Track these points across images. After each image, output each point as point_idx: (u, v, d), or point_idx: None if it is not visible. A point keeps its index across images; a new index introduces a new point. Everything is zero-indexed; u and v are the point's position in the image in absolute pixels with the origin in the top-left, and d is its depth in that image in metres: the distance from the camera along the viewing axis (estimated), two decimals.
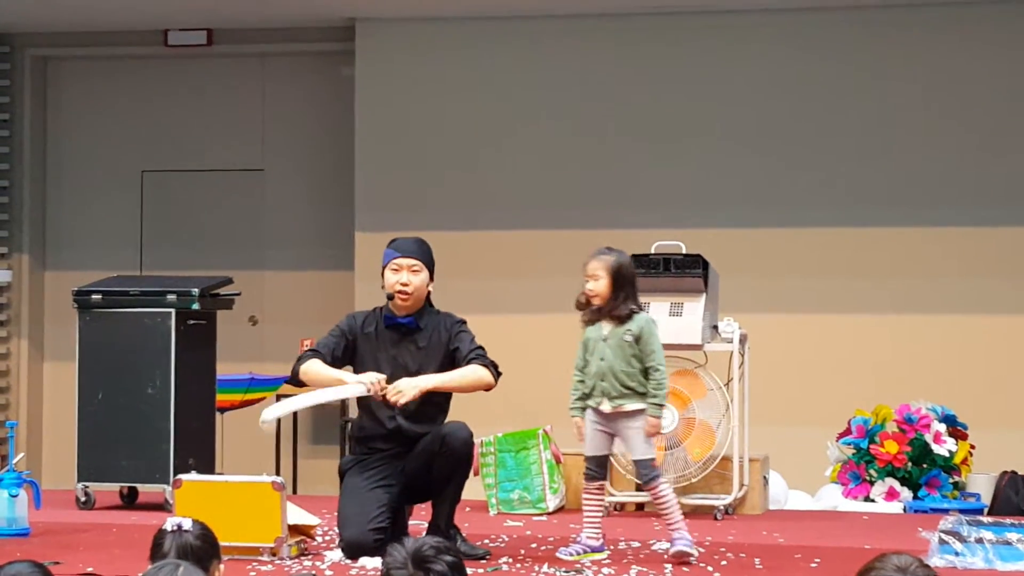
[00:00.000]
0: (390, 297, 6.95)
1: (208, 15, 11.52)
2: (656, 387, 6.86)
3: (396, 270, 6.92)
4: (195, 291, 8.82)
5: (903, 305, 10.66)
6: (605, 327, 6.93)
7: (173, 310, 8.75)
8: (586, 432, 7.00)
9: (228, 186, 12.09)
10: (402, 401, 6.68)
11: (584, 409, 6.99)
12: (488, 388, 6.88)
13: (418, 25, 11.28)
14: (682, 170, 10.98)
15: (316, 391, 6.94)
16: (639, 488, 8.44)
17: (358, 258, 11.20)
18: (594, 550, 7.00)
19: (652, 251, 8.86)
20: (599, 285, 6.91)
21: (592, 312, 6.97)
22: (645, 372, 6.87)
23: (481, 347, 6.91)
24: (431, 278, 6.98)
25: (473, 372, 6.82)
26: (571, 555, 6.93)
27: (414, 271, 6.91)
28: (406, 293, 6.90)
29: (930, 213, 10.68)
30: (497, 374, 6.87)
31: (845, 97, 10.83)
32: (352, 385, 6.77)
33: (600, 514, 7.11)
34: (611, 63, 11.09)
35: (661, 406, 6.90)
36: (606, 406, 6.91)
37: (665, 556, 6.98)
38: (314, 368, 6.87)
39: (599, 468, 7.04)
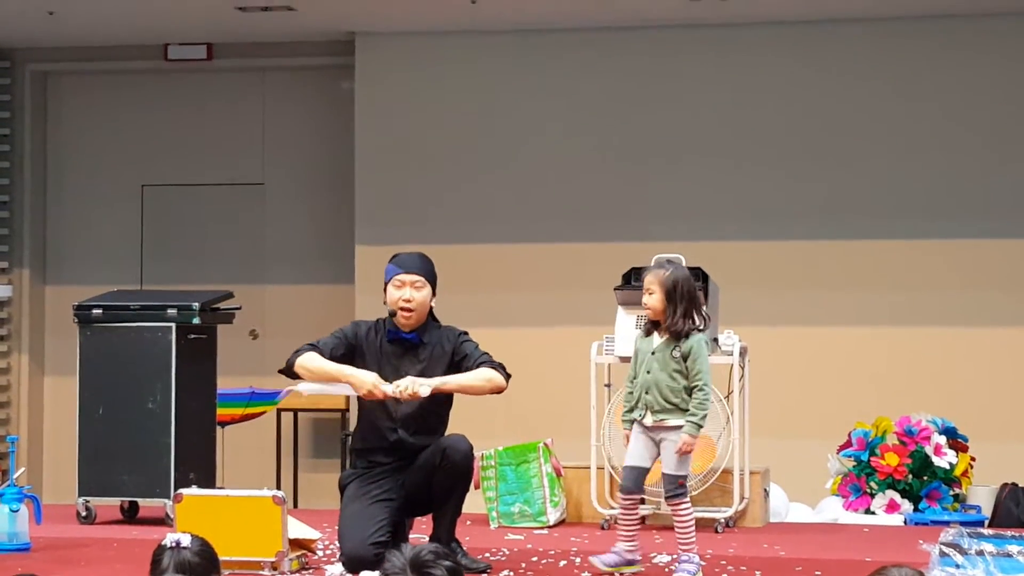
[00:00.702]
0: (392, 314, 6.95)
1: (208, 30, 11.54)
2: (697, 406, 6.73)
3: (399, 286, 6.90)
4: (195, 305, 8.82)
5: (903, 317, 10.67)
6: (656, 340, 6.85)
7: (174, 324, 8.75)
8: (631, 441, 6.91)
9: (228, 200, 12.10)
10: (423, 393, 6.61)
11: (631, 421, 6.91)
12: (500, 390, 6.83)
13: (417, 39, 11.29)
14: (683, 183, 10.99)
15: (322, 384, 6.85)
16: (643, 502, 8.44)
17: (358, 271, 11.21)
18: (630, 563, 6.93)
19: (652, 263, 8.85)
20: (653, 299, 6.80)
21: (650, 323, 6.88)
22: (690, 389, 6.81)
23: (487, 353, 6.89)
24: (434, 293, 6.98)
25: (484, 374, 6.80)
26: (606, 565, 6.87)
27: (417, 287, 6.90)
28: (409, 310, 6.89)
29: (931, 225, 10.70)
30: (507, 376, 6.84)
31: (845, 111, 10.84)
32: (346, 385, 6.73)
33: (636, 526, 6.99)
34: (611, 76, 11.10)
35: (699, 426, 6.78)
36: (648, 419, 6.81)
37: (666, 569, 6.96)
38: (313, 362, 6.82)
39: (634, 479, 6.89)
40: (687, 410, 6.76)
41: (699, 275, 8.73)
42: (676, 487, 6.80)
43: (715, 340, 8.82)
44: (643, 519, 8.79)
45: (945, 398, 10.17)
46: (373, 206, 11.32)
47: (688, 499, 6.86)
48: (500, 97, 11.25)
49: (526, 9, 10.70)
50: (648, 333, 6.88)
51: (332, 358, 6.82)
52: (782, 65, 10.93)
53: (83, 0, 10.58)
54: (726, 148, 10.96)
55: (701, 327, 6.82)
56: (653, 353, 6.82)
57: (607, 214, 11.03)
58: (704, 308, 6.95)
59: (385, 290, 6.97)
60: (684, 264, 8.82)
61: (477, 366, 6.82)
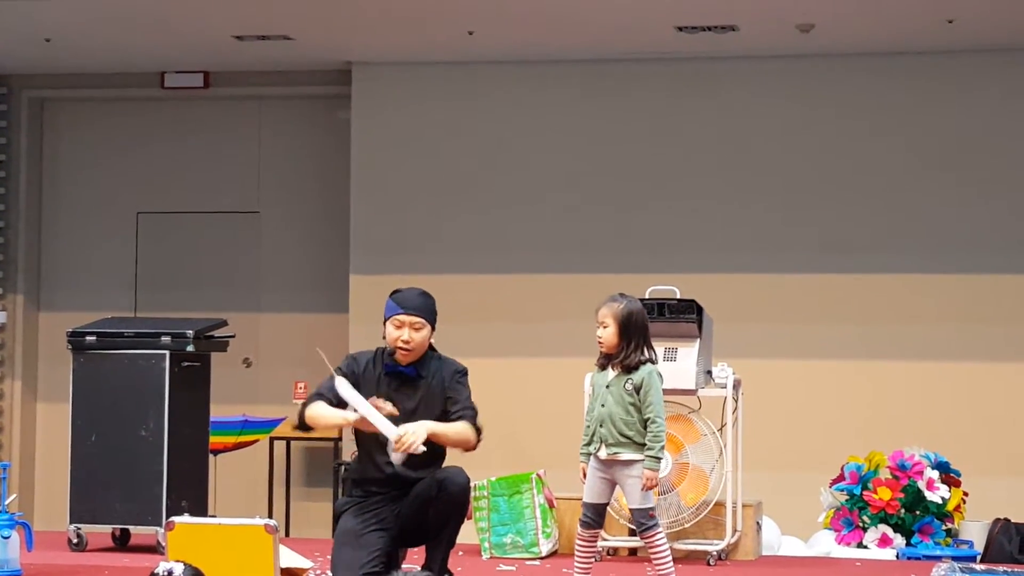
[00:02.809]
0: (391, 353, 6.93)
1: (205, 58, 11.56)
2: (653, 439, 6.80)
3: (398, 326, 6.88)
4: (189, 333, 8.82)
5: (897, 352, 10.67)
6: (610, 374, 6.92)
7: (167, 352, 8.74)
8: (587, 478, 6.98)
9: (223, 228, 12.10)
10: (418, 446, 6.60)
11: (589, 455, 6.97)
12: (469, 449, 6.85)
13: (414, 70, 11.32)
14: (678, 215, 11.00)
15: (366, 411, 6.80)
16: (632, 533, 8.44)
17: (353, 301, 11.21)
18: None
19: (646, 296, 8.86)
20: (607, 333, 6.89)
21: (603, 358, 6.96)
22: (644, 423, 6.85)
23: (474, 407, 6.88)
24: (433, 329, 6.97)
25: (464, 429, 6.81)
26: None
27: (416, 328, 6.87)
28: (407, 350, 6.89)
29: (926, 260, 10.71)
30: (479, 439, 6.84)
31: (840, 146, 10.87)
32: (386, 428, 6.70)
33: (592, 561, 7.09)
34: (608, 108, 11.13)
35: (658, 459, 6.84)
36: (603, 452, 6.89)
37: None
38: (319, 411, 6.82)
39: (596, 516, 7.00)
40: (641, 444, 6.82)
41: (693, 307, 8.75)
42: (647, 519, 6.86)
43: (708, 372, 8.83)
44: (634, 551, 8.81)
45: (938, 433, 10.17)
46: (368, 235, 11.33)
47: (660, 529, 6.90)
48: (496, 128, 11.27)
49: (523, 40, 10.74)
50: (603, 367, 6.97)
51: (339, 400, 6.80)
52: (779, 98, 10.96)
53: (80, 27, 10.61)
54: (721, 181, 10.98)
55: (652, 359, 6.89)
56: (608, 387, 6.90)
57: (602, 246, 11.04)
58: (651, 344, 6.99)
59: (384, 324, 6.95)
60: (678, 295, 8.89)
61: (458, 417, 6.81)
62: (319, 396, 6.87)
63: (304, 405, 6.89)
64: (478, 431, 6.82)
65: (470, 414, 6.83)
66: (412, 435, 6.58)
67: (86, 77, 12.01)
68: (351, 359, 7.04)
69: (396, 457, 6.63)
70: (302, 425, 6.93)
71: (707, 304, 8.90)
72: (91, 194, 12.25)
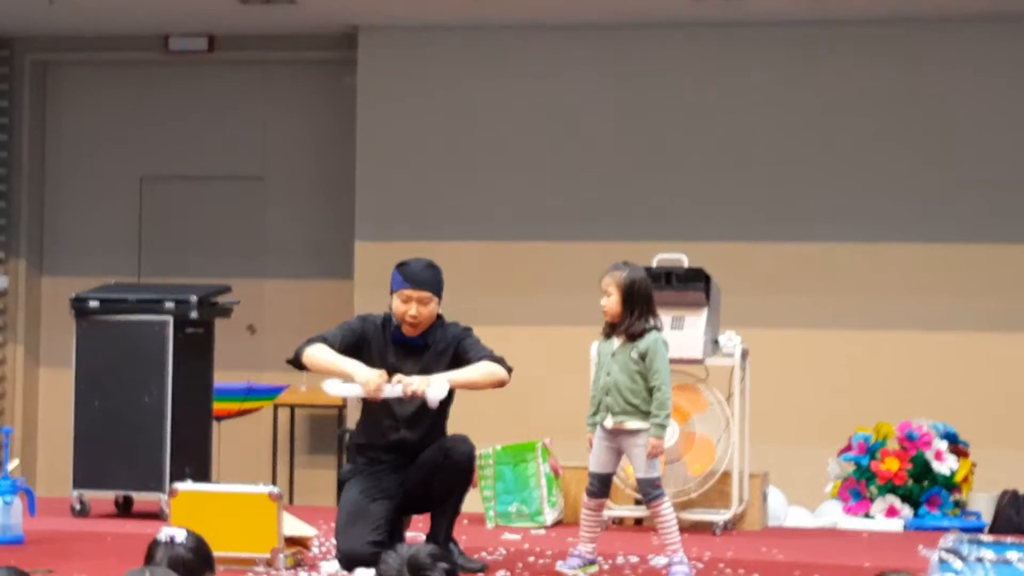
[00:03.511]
0: (397, 325, 6.89)
1: (209, 21, 11.49)
2: (658, 407, 6.78)
3: (405, 300, 6.83)
4: (193, 299, 8.79)
5: (906, 322, 10.63)
6: (616, 342, 6.88)
7: (171, 318, 8.71)
8: (593, 447, 6.95)
9: (227, 194, 12.05)
10: (438, 394, 6.56)
11: (595, 425, 6.94)
12: (502, 383, 6.81)
13: (420, 34, 11.24)
14: (686, 183, 10.94)
15: (341, 386, 6.76)
16: (638, 502, 8.40)
17: (358, 267, 11.16)
18: (590, 563, 6.97)
19: (654, 264, 8.82)
20: (611, 301, 6.86)
21: (608, 326, 6.93)
22: (650, 390, 6.82)
23: (488, 349, 6.86)
24: (440, 300, 6.92)
25: (487, 367, 6.77)
26: (571, 568, 6.89)
27: (423, 302, 6.83)
28: (413, 324, 6.85)
29: (935, 230, 10.65)
30: (509, 369, 6.80)
31: (849, 113, 10.79)
32: (352, 385, 6.67)
33: (598, 530, 7.08)
34: (615, 75, 11.06)
35: (663, 427, 6.82)
36: (609, 422, 6.87)
37: (663, 571, 6.93)
38: (322, 355, 6.76)
39: (601, 486, 6.99)
40: (647, 412, 6.78)
41: (701, 276, 8.71)
42: (652, 489, 6.85)
43: (716, 342, 8.79)
44: (639, 521, 8.79)
45: (947, 404, 10.13)
46: (373, 202, 11.27)
47: (666, 499, 6.88)
48: (502, 93, 11.20)
49: (530, 5, 10.66)
50: (607, 336, 6.95)
51: (341, 351, 6.77)
52: (786, 65, 10.88)
53: None
54: (730, 149, 10.91)
55: (657, 327, 6.84)
56: (613, 356, 6.88)
57: (609, 213, 10.98)
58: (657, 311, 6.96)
59: (391, 294, 6.90)
60: (686, 263, 8.84)
61: (478, 360, 6.78)
62: (322, 339, 6.82)
63: (305, 344, 6.83)
64: (505, 365, 6.77)
65: (488, 352, 6.80)
66: (422, 382, 6.55)
67: (90, 40, 11.94)
68: (361, 320, 7.01)
69: (406, 408, 6.63)
70: (297, 363, 6.86)
71: (715, 273, 8.86)
72: (94, 158, 12.19)
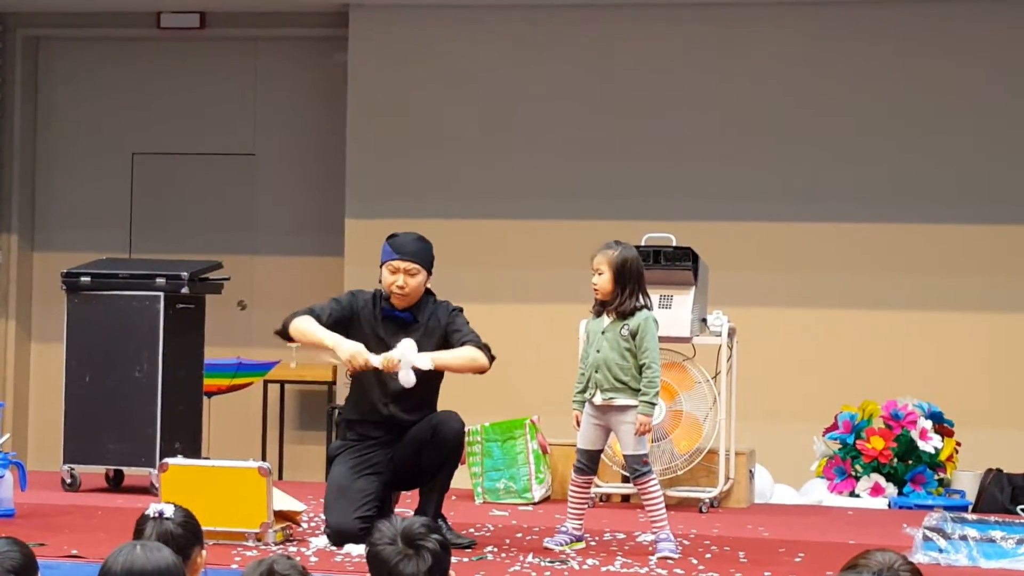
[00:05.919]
0: (387, 297, 6.93)
1: None
2: (648, 384, 6.83)
3: (393, 271, 6.88)
4: (184, 275, 8.81)
5: (892, 301, 10.67)
6: (606, 320, 6.93)
7: (162, 294, 8.73)
8: (581, 424, 6.99)
9: (219, 170, 12.06)
10: (423, 366, 6.61)
11: (583, 402, 6.99)
12: (482, 371, 6.86)
13: (412, 11, 11.25)
14: (673, 163, 10.97)
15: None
16: (625, 480, 8.46)
17: (348, 244, 11.18)
18: (577, 539, 7.02)
19: (642, 243, 8.86)
20: (602, 280, 6.90)
21: (598, 304, 6.97)
22: (640, 368, 6.86)
23: (476, 333, 6.90)
24: (429, 274, 6.96)
25: (469, 352, 6.81)
26: (559, 545, 6.94)
27: (411, 274, 6.87)
28: (402, 295, 6.89)
29: (920, 209, 10.68)
30: (491, 358, 6.85)
31: (835, 93, 10.81)
32: (378, 359, 6.70)
33: (585, 507, 7.13)
34: (606, 53, 11.07)
35: (652, 404, 6.87)
36: (598, 398, 6.91)
37: (650, 548, 6.98)
38: (308, 327, 6.82)
39: (589, 463, 7.03)
40: (636, 390, 6.83)
41: (689, 255, 8.74)
42: (640, 466, 6.88)
43: (703, 320, 8.83)
44: (626, 498, 8.83)
45: (932, 383, 10.18)
46: (364, 179, 11.29)
47: (653, 476, 6.92)
48: (493, 71, 11.21)
49: None
50: (598, 314, 6.99)
51: (328, 325, 6.82)
52: (776, 45, 10.89)
53: None
54: (717, 128, 10.93)
55: (648, 305, 6.90)
56: (603, 333, 6.92)
57: (598, 192, 11.00)
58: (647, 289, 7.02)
59: (381, 267, 6.95)
60: (674, 242, 8.87)
61: (463, 344, 6.82)
62: (310, 312, 6.87)
63: (292, 316, 6.88)
64: (488, 352, 6.82)
65: (474, 338, 6.84)
66: (401, 354, 6.58)
67: (82, 16, 11.94)
68: (351, 295, 7.05)
69: (403, 376, 6.64)
70: (284, 334, 6.91)
71: (703, 252, 8.89)
72: (86, 134, 12.19)
